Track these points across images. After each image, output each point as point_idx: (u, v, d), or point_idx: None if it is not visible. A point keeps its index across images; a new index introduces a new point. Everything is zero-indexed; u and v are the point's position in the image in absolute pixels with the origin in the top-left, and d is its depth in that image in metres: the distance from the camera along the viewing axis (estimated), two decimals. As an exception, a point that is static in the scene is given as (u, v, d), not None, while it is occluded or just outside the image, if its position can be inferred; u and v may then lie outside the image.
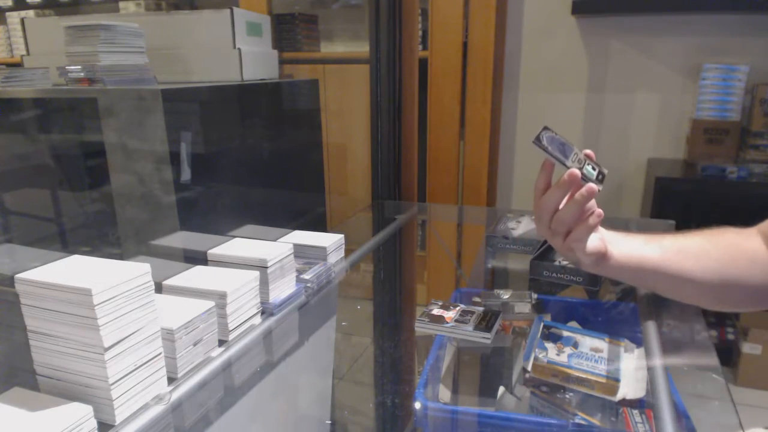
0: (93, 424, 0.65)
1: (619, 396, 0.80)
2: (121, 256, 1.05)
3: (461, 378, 0.92)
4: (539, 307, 1.07)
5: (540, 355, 0.87)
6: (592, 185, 0.71)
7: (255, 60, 1.37)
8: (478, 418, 1.01)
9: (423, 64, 2.10)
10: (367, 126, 2.05)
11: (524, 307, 1.06)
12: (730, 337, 2.16)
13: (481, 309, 0.97)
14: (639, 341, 0.94)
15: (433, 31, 2.13)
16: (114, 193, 1.05)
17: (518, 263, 1.34)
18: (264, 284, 0.99)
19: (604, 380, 0.82)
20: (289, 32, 2.66)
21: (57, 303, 0.67)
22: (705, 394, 0.86)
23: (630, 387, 0.81)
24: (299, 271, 1.10)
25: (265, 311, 1.00)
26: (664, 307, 1.02)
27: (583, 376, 0.83)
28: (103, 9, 2.99)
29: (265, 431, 0.88)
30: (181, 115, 1.07)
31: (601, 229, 0.78)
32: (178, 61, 1.32)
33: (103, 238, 1.12)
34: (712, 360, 0.90)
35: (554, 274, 1.14)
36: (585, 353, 0.88)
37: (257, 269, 0.98)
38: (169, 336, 0.77)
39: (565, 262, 1.13)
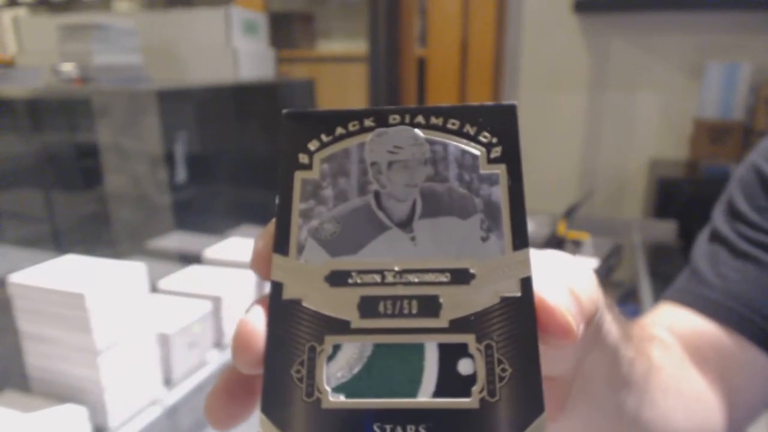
0: (87, 426, 0.64)
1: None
2: (115, 256, 1.04)
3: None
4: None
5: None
6: None
7: (250, 59, 1.35)
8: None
9: (421, 62, 2.08)
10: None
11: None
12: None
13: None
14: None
15: (432, 29, 2.12)
16: (108, 193, 1.04)
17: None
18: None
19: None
20: (285, 30, 2.64)
21: (50, 305, 0.65)
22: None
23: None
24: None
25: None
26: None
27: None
28: (97, 7, 2.97)
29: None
30: (176, 114, 1.06)
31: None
32: (172, 59, 1.30)
33: (97, 238, 1.11)
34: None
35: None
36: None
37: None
38: (163, 338, 0.76)
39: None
